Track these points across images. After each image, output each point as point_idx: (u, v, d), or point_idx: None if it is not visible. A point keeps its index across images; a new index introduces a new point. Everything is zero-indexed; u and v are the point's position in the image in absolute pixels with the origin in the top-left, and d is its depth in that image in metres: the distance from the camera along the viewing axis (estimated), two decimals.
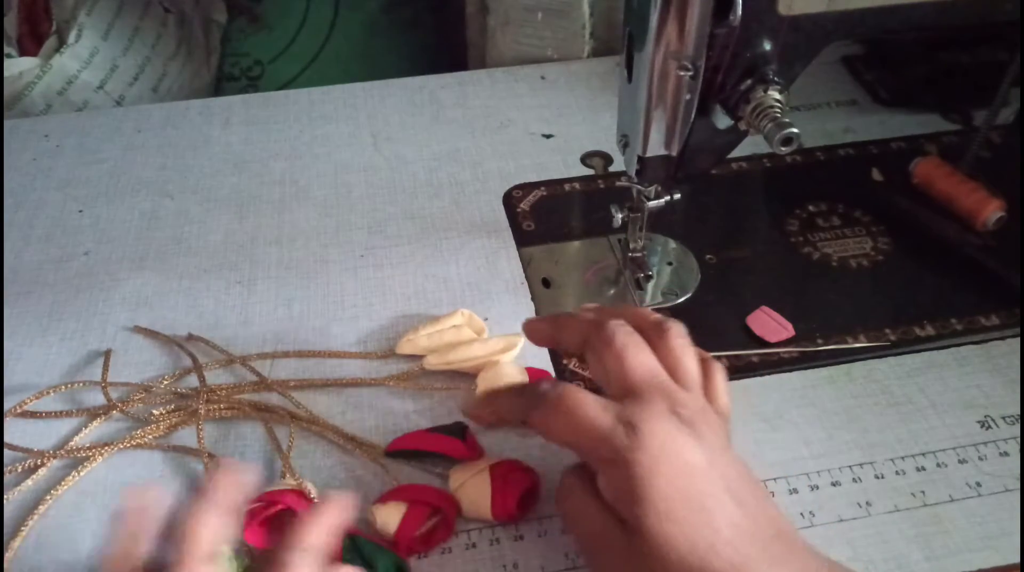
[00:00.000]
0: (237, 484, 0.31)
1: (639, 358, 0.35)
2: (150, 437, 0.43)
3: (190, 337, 0.48)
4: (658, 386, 0.34)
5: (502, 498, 0.38)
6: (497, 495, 0.38)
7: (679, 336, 0.37)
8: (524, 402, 0.36)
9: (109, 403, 0.44)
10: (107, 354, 0.47)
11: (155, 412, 0.44)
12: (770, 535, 0.32)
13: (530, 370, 0.44)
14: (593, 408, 0.33)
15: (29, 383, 0.46)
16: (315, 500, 0.39)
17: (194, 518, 0.30)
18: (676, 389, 0.35)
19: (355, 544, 0.37)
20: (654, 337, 0.37)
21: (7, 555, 0.38)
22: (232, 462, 0.33)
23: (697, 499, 0.31)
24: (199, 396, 0.44)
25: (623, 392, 0.34)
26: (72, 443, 0.43)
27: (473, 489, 0.39)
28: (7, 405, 0.44)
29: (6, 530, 0.39)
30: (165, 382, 0.45)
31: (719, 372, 0.37)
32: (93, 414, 0.44)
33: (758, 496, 0.33)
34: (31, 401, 0.44)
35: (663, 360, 0.36)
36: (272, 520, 0.38)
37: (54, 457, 0.42)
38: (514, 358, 0.45)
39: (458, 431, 0.41)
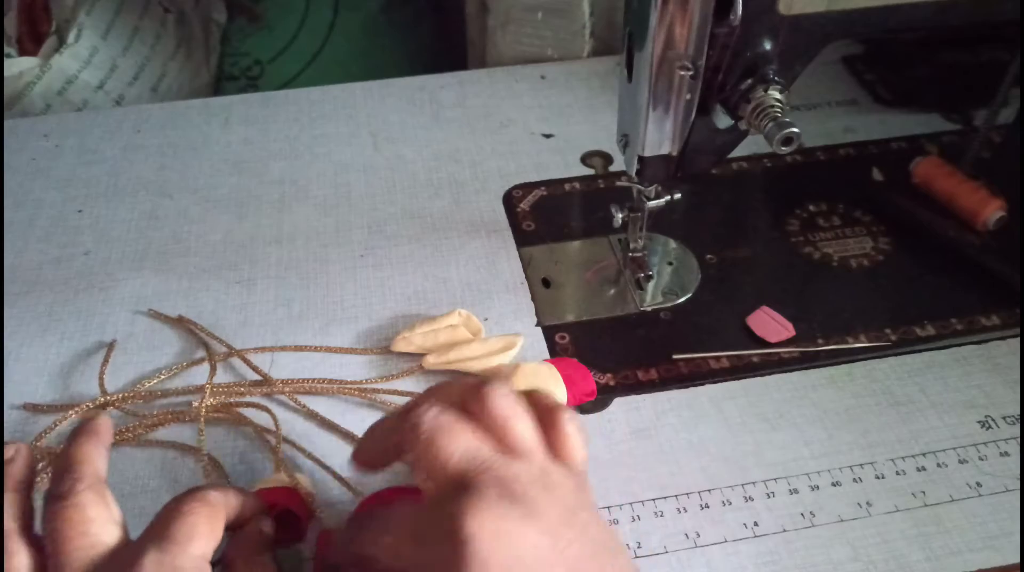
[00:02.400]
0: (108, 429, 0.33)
1: (452, 444, 0.30)
2: (148, 434, 0.43)
3: (180, 318, 0.48)
4: (480, 468, 0.30)
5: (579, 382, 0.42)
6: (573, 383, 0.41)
7: (500, 396, 0.32)
8: (399, 432, 0.32)
9: (104, 395, 0.44)
10: (110, 345, 0.47)
11: (155, 413, 0.44)
12: None
13: (562, 362, 0.44)
14: (412, 518, 0.31)
15: (29, 383, 0.46)
16: (310, 495, 0.39)
17: (77, 448, 0.31)
18: (504, 464, 0.30)
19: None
20: (474, 407, 0.32)
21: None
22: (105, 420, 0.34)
23: None
24: (204, 390, 0.44)
25: (448, 488, 0.30)
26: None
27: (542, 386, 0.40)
28: (7, 406, 0.44)
29: None
30: (162, 377, 0.45)
31: (569, 421, 0.33)
32: (97, 408, 0.44)
33: (616, 565, 0.30)
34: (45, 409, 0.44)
35: (488, 429, 0.31)
36: (278, 520, 0.37)
37: (56, 455, 0.42)
38: (512, 358, 0.46)
39: None
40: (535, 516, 0.29)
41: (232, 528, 0.34)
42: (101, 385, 0.45)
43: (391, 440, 0.33)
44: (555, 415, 0.33)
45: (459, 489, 0.30)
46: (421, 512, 0.31)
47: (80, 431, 0.33)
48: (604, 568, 0.30)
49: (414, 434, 0.31)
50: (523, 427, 0.32)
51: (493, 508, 0.29)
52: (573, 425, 0.33)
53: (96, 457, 0.32)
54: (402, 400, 0.44)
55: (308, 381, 0.45)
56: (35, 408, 0.44)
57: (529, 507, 0.29)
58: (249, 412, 0.44)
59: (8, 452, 0.32)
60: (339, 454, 0.42)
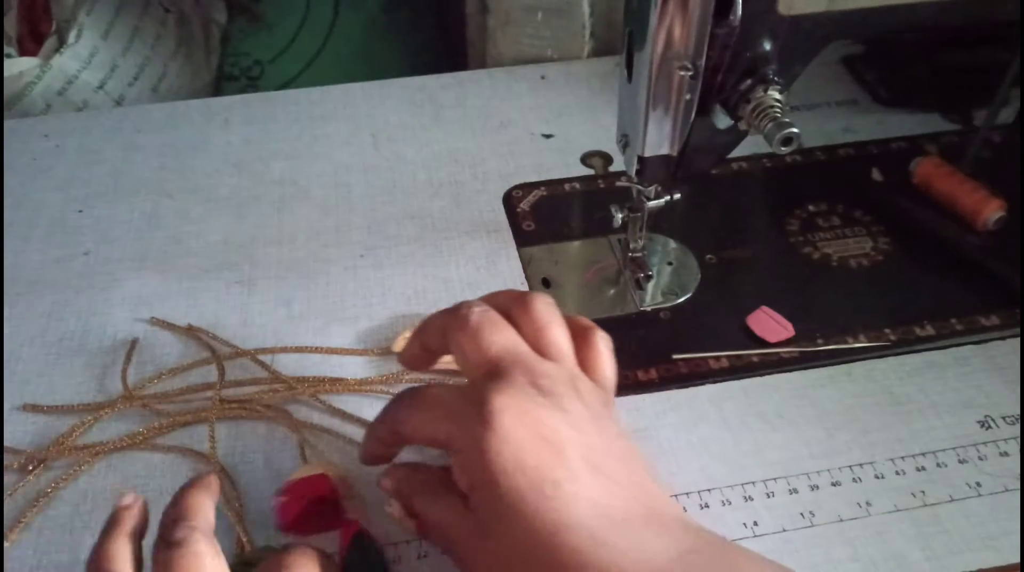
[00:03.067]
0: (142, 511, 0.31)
1: (494, 335, 0.34)
2: (157, 437, 0.43)
3: (190, 327, 0.48)
4: (515, 360, 0.33)
5: None
6: None
7: (543, 306, 0.35)
8: (385, 417, 0.36)
9: (127, 393, 0.44)
10: (132, 343, 0.47)
11: (166, 420, 0.44)
12: (636, 512, 0.30)
13: None
14: (447, 396, 0.33)
15: (29, 383, 0.46)
16: (346, 482, 0.39)
17: (192, 497, 0.30)
18: (537, 361, 0.33)
19: (361, 546, 0.36)
20: (517, 311, 0.35)
21: (7, 545, 0.38)
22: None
23: (549, 476, 0.30)
24: (216, 389, 0.44)
25: (484, 374, 0.33)
26: (72, 441, 0.43)
27: None
28: (7, 406, 0.45)
29: (6, 529, 0.39)
30: (163, 377, 0.45)
31: (601, 341, 0.36)
32: (97, 409, 0.44)
33: (632, 469, 0.32)
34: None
35: (527, 334, 0.34)
36: (305, 511, 0.38)
37: (56, 455, 0.42)
38: None
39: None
40: (561, 409, 0.31)
41: None
42: (124, 382, 0.45)
43: (440, 334, 0.36)
44: (589, 333, 0.36)
45: (493, 374, 0.32)
46: (457, 392, 0.34)
47: (193, 482, 0.32)
48: (626, 466, 0.32)
49: (462, 325, 0.34)
50: (559, 334, 0.35)
51: (521, 392, 0.31)
52: (605, 344, 0.36)
53: (208, 508, 0.31)
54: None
55: (327, 380, 0.45)
56: (35, 409, 0.44)
57: (556, 400, 0.32)
58: (264, 412, 0.44)
59: (127, 499, 0.31)
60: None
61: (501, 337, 0.34)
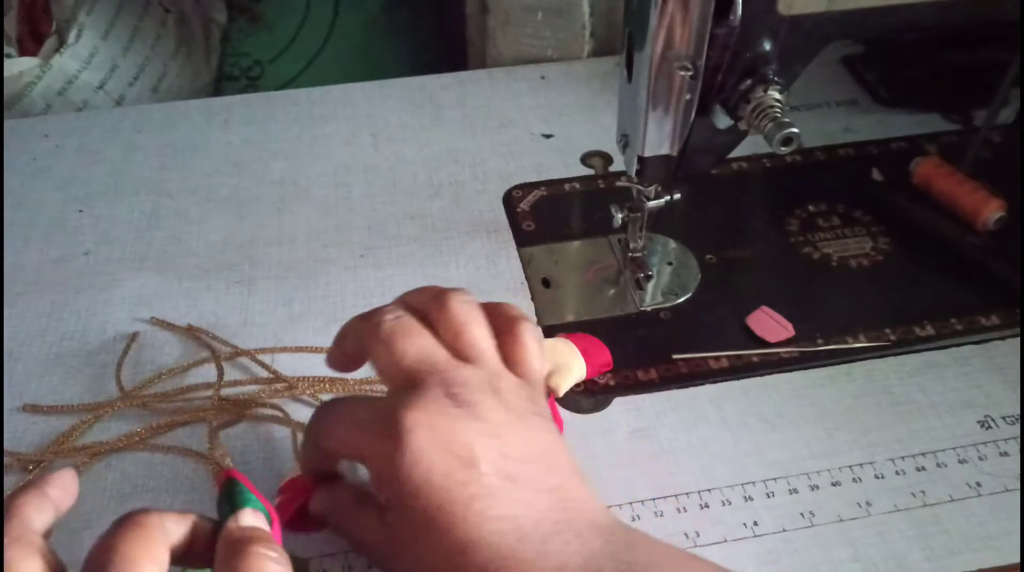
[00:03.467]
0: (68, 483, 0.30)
1: (407, 344, 0.32)
2: (156, 438, 0.43)
3: (189, 328, 0.48)
4: (430, 369, 0.32)
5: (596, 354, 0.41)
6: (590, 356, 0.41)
7: (460, 303, 0.34)
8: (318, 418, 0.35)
9: (120, 388, 0.44)
10: (131, 337, 0.47)
11: (163, 421, 0.44)
12: (549, 520, 0.30)
13: (575, 337, 0.45)
14: (361, 410, 0.32)
15: (29, 383, 0.46)
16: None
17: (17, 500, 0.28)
18: (453, 367, 0.32)
19: (230, 487, 0.34)
20: (434, 313, 0.34)
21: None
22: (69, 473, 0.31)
23: (460, 495, 0.29)
24: (215, 389, 0.44)
25: (399, 384, 0.32)
26: (72, 441, 0.43)
27: (563, 361, 0.41)
28: (7, 407, 0.44)
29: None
30: (166, 375, 0.45)
31: (527, 333, 0.34)
32: (97, 409, 0.44)
33: (552, 471, 0.31)
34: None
35: (444, 336, 0.33)
36: (302, 509, 0.37)
37: (56, 456, 0.42)
38: None
39: None
40: (477, 418, 0.31)
41: (185, 554, 0.30)
42: (118, 381, 0.45)
43: (357, 341, 0.35)
44: (514, 325, 0.34)
45: (407, 386, 0.32)
46: (372, 405, 0.33)
47: (28, 486, 0.30)
48: (542, 472, 0.31)
49: (374, 334, 0.33)
50: (478, 333, 0.33)
51: (433, 405, 0.31)
52: (530, 335, 0.34)
53: (30, 513, 0.29)
54: None
55: (327, 380, 0.45)
56: (35, 409, 0.44)
57: (472, 409, 0.31)
58: (264, 411, 0.44)
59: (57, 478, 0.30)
60: None
61: (414, 345, 0.32)
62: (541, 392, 0.35)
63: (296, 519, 0.37)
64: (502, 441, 0.31)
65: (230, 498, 0.31)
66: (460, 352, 0.33)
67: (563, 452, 0.33)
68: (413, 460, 0.30)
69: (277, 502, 0.37)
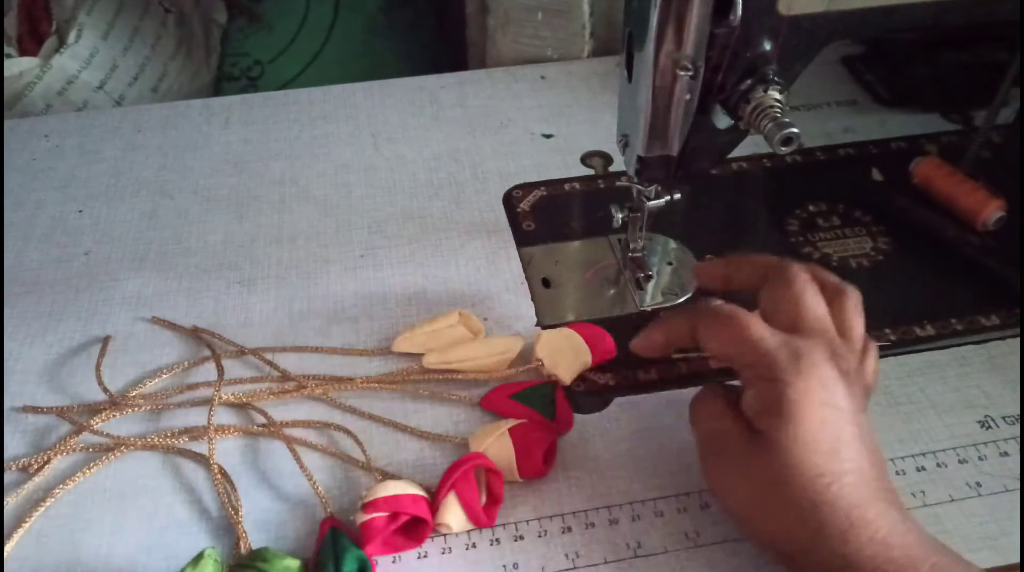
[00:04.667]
0: None
1: (814, 304, 0.36)
2: (156, 438, 0.43)
3: (195, 329, 0.48)
4: (824, 333, 0.36)
5: (527, 458, 0.40)
6: (521, 456, 0.40)
7: (854, 303, 0.38)
8: (692, 317, 0.38)
9: (105, 392, 0.44)
10: (105, 340, 0.47)
11: (167, 433, 0.44)
12: (885, 486, 0.34)
13: (577, 326, 0.46)
14: (762, 329, 0.35)
15: (29, 384, 0.46)
16: (425, 497, 0.38)
17: None
18: (840, 342, 0.36)
19: (334, 536, 0.36)
20: (831, 297, 0.38)
21: (7, 546, 0.38)
22: None
23: (835, 437, 0.33)
24: (215, 389, 0.44)
25: (790, 330, 0.36)
26: (72, 441, 0.43)
27: (497, 452, 0.40)
28: (7, 407, 0.45)
29: (6, 530, 0.39)
30: (166, 375, 0.45)
31: (874, 350, 0.39)
32: (97, 409, 0.44)
33: (880, 455, 0.35)
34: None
35: (834, 318, 0.37)
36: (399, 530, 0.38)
37: (56, 456, 0.42)
38: (511, 360, 0.45)
39: (543, 395, 0.43)
40: (848, 387, 0.34)
41: None
42: (99, 381, 0.45)
43: (756, 274, 0.39)
44: (867, 342, 0.38)
45: (802, 336, 0.35)
46: (774, 333, 0.35)
47: None
48: (877, 450, 0.34)
49: (788, 284, 0.37)
50: (859, 330, 0.38)
51: (825, 362, 0.34)
52: (875, 354, 0.39)
53: None
54: (402, 401, 0.44)
55: (334, 378, 0.45)
56: (35, 409, 0.44)
57: (846, 380, 0.35)
58: (272, 412, 0.44)
59: None
60: (403, 451, 0.43)
61: (819, 309, 0.36)
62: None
63: (393, 536, 0.37)
64: (859, 417, 0.34)
65: (335, 547, 0.36)
66: (842, 337, 0.37)
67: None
68: (803, 396, 0.33)
69: (369, 519, 0.36)
